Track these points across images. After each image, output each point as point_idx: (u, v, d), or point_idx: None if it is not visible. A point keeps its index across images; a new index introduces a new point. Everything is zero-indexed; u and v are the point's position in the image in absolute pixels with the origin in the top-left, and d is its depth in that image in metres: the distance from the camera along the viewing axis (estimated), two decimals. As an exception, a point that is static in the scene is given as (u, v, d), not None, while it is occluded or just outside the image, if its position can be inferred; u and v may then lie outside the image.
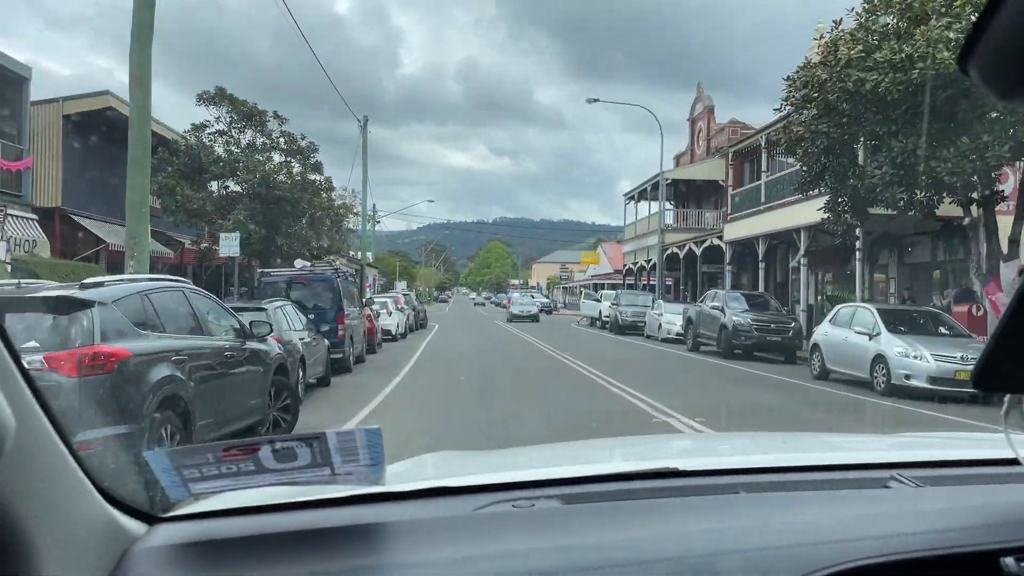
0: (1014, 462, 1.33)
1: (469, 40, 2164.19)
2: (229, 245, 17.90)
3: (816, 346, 16.54)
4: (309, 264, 17.11)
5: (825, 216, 18.17)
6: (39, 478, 1.01)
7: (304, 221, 23.69)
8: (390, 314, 28.67)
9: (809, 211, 23.61)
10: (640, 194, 46.75)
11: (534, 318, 45.65)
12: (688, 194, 45.52)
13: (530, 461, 2.16)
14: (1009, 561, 1.13)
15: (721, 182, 40.74)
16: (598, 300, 42.01)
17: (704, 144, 44.80)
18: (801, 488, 1.56)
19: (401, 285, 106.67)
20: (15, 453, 0.93)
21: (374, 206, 71.28)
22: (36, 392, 1.02)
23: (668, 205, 46.32)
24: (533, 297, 58.54)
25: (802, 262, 24.93)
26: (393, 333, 28.23)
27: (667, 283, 47.27)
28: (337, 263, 18.74)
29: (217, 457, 1.15)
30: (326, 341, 14.44)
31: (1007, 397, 1.13)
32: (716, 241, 32.85)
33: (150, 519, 1.27)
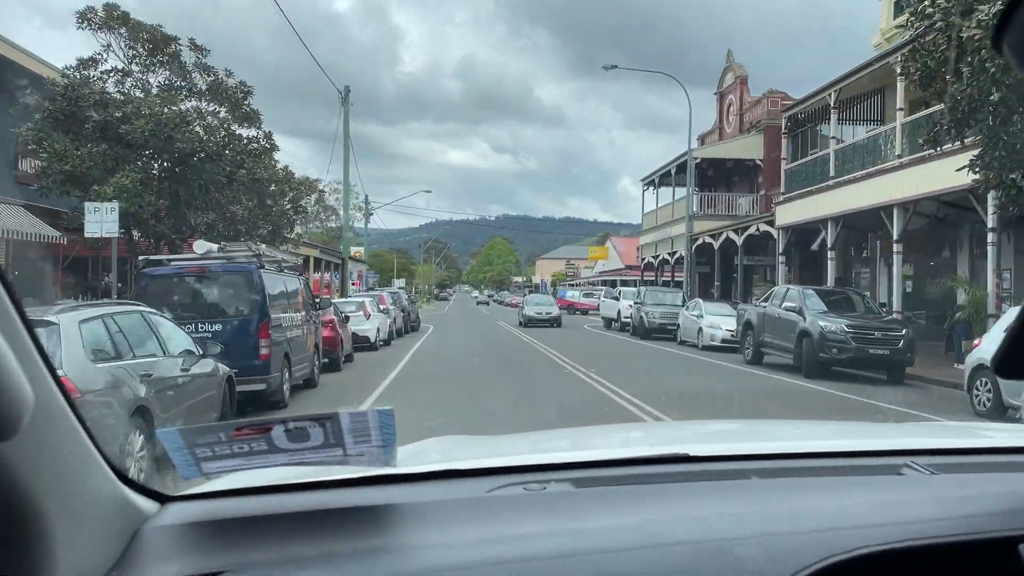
0: None
1: (468, 38, 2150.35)
2: (99, 220, 12.18)
3: (983, 369, 11.03)
4: (215, 248, 11.49)
5: (977, 177, 12.63)
6: (54, 455, 1.00)
7: (231, 186, 17.41)
8: (368, 317, 23.28)
9: (911, 180, 18.09)
10: (662, 178, 41.18)
11: (554, 322, 36.18)
12: (716, 178, 39.98)
13: (541, 445, 2.14)
14: None
15: (758, 161, 35.33)
16: (616, 299, 36.41)
17: (735, 119, 39.28)
18: (814, 474, 1.51)
19: (399, 283, 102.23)
20: (31, 429, 0.90)
21: (366, 197, 65.94)
22: (51, 368, 0.99)
23: (693, 190, 40.81)
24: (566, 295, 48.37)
25: (895, 248, 19.34)
26: (372, 340, 22.92)
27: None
28: (262, 247, 12.97)
29: (229, 436, 1.15)
30: (223, 369, 8.95)
31: None
32: (764, 227, 27.28)
33: (162, 498, 1.26)
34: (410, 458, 1.65)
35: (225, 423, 1.15)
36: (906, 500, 1.30)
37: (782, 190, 26.47)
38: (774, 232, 26.28)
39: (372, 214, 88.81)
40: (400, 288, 41.71)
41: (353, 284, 56.37)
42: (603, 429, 2.99)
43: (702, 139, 42.81)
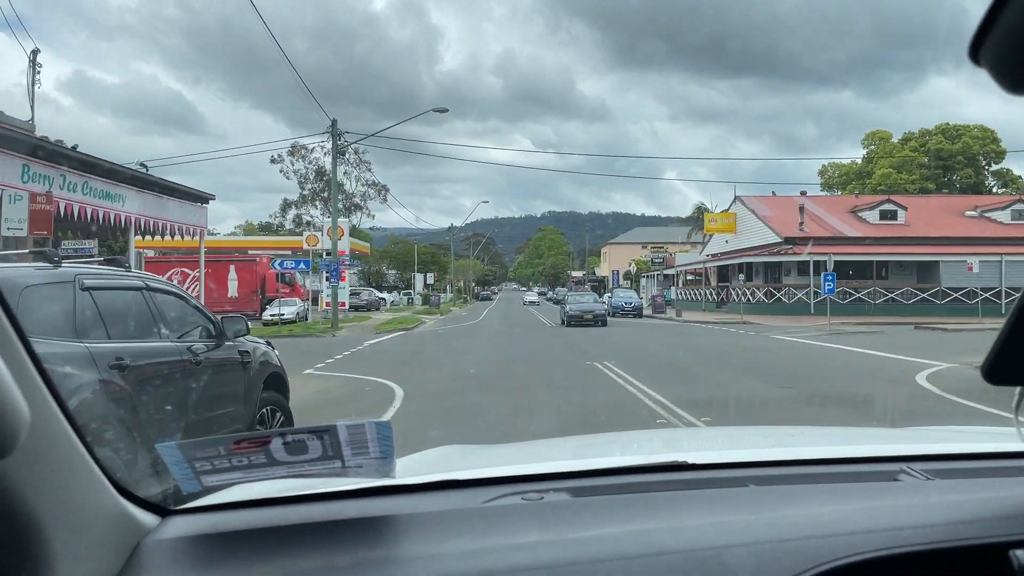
0: None
1: (506, 33, 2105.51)
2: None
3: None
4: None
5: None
6: (53, 470, 1.00)
7: None
8: None
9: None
10: None
11: None
12: None
13: (540, 455, 2.15)
14: (1019, 554, 1.10)
15: None
16: None
17: None
18: (811, 481, 1.50)
19: (423, 279, 74.76)
20: (29, 445, 0.90)
21: (333, 122, 37.07)
22: (49, 384, 0.99)
23: None
24: None
25: None
26: None
27: None
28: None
29: (228, 450, 1.14)
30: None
31: (1018, 390, 1.10)
32: None
33: (163, 511, 1.26)
34: (412, 468, 1.66)
35: (224, 437, 1.14)
36: (901, 506, 1.29)
37: None
38: None
39: (385, 188, 64.49)
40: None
41: (342, 280, 31.00)
42: (604, 437, 2.93)
43: None
